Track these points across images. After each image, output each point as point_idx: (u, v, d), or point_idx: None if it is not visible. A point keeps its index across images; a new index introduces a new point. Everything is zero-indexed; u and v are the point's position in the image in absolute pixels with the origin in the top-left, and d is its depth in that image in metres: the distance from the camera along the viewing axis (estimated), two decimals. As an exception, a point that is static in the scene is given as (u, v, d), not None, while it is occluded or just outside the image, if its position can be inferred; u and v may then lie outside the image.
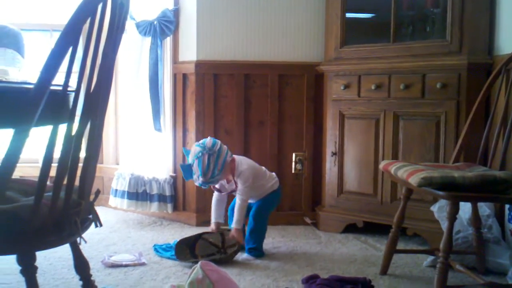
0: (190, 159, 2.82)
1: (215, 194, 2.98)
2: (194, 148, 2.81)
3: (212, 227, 2.97)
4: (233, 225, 2.85)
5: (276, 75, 3.56)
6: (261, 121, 3.57)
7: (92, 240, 3.04)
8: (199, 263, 2.10)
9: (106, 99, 1.64)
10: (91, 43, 1.41)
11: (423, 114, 3.03)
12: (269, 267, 2.68)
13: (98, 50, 1.46)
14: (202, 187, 2.87)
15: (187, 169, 2.82)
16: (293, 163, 3.57)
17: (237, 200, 2.87)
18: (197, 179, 2.78)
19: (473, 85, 2.85)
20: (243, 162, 2.95)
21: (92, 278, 1.87)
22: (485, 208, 2.61)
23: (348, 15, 3.46)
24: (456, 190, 2.10)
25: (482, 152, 2.59)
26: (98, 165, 2.19)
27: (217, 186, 2.96)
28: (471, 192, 2.11)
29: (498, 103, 2.63)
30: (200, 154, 2.74)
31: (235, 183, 2.89)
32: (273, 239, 3.18)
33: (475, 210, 2.50)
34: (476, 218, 2.51)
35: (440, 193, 2.11)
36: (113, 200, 3.70)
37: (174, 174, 3.65)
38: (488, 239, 2.57)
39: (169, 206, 3.60)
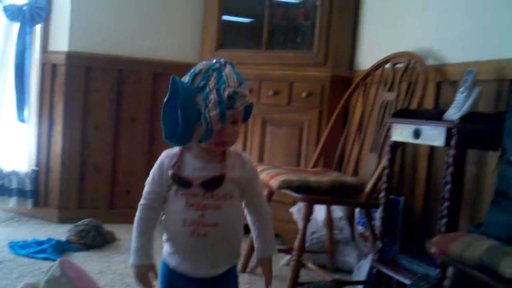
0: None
1: (145, 210, 1.49)
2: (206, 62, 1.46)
3: (141, 274, 1.46)
4: (265, 253, 1.55)
5: (151, 73, 3.56)
6: (133, 118, 3.54)
7: None
8: (58, 260, 2.05)
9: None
10: None
11: (288, 120, 3.20)
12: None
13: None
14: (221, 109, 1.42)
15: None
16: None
17: (255, 208, 1.56)
18: (226, 89, 1.37)
19: (334, 96, 3.06)
20: None
21: None
22: (338, 211, 2.82)
23: (226, 17, 3.56)
24: (312, 194, 2.26)
25: (338, 158, 2.80)
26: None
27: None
28: (326, 196, 2.29)
29: (354, 114, 2.86)
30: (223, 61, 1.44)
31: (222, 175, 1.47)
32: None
33: (329, 213, 2.70)
34: (329, 220, 2.71)
35: (297, 195, 2.26)
36: (-34, 193, 3.45)
37: (36, 168, 3.49)
38: (339, 240, 2.78)
39: (29, 202, 3.44)
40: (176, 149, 1.48)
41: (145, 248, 1.47)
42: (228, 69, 1.41)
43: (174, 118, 1.37)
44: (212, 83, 1.37)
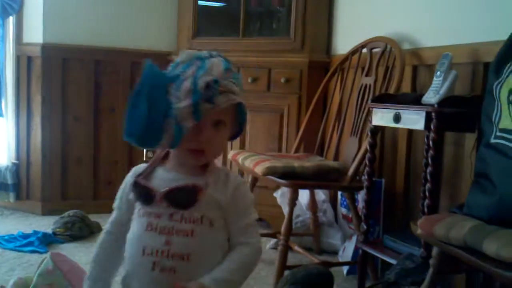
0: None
1: (103, 235, 1.25)
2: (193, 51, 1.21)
3: None
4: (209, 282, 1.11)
5: (128, 62, 3.55)
6: (112, 108, 3.53)
7: None
8: (49, 253, 2.08)
9: None
10: None
11: (268, 107, 3.23)
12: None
13: None
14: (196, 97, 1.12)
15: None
16: (145, 151, 3.60)
17: (237, 245, 1.18)
18: (204, 76, 1.10)
19: (313, 81, 3.11)
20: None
21: None
22: (321, 194, 2.89)
23: (200, 2, 3.55)
24: (296, 179, 2.32)
25: (319, 143, 2.86)
26: None
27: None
28: (309, 181, 2.35)
29: (333, 99, 2.92)
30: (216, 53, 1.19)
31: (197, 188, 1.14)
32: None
33: (312, 196, 2.76)
34: (313, 203, 2.77)
35: (282, 181, 2.31)
36: None
37: (17, 161, 3.48)
38: (323, 222, 2.85)
39: (11, 195, 3.43)
40: (147, 164, 1.22)
41: (93, 278, 1.19)
42: (217, 59, 1.14)
43: (140, 111, 1.09)
44: (190, 70, 1.10)
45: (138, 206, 1.16)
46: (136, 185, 1.15)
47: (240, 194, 1.17)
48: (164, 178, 1.15)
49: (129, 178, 1.21)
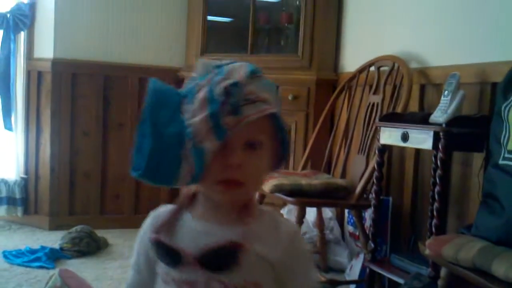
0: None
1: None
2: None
3: None
4: None
5: (137, 78, 3.57)
6: (121, 123, 3.56)
7: None
8: (57, 270, 2.09)
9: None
10: None
11: (276, 123, 3.24)
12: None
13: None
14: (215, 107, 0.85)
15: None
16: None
17: None
18: (222, 81, 0.85)
19: (320, 99, 3.12)
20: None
21: None
22: (328, 212, 2.89)
23: (209, 18, 3.59)
24: (303, 196, 2.32)
25: (326, 161, 2.87)
26: None
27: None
28: (316, 198, 2.36)
29: (341, 116, 2.93)
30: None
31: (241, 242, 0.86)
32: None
33: (319, 214, 2.76)
34: (320, 221, 2.77)
35: (289, 199, 2.32)
36: (-45, 203, 3.44)
37: (25, 176, 3.50)
38: (330, 240, 2.85)
39: (19, 210, 3.44)
40: (170, 207, 0.95)
41: None
42: (239, 64, 0.87)
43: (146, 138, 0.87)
44: (206, 80, 0.85)
45: (162, 267, 0.91)
46: (156, 243, 0.89)
47: (297, 249, 0.89)
48: (191, 231, 0.89)
49: (147, 229, 0.94)
